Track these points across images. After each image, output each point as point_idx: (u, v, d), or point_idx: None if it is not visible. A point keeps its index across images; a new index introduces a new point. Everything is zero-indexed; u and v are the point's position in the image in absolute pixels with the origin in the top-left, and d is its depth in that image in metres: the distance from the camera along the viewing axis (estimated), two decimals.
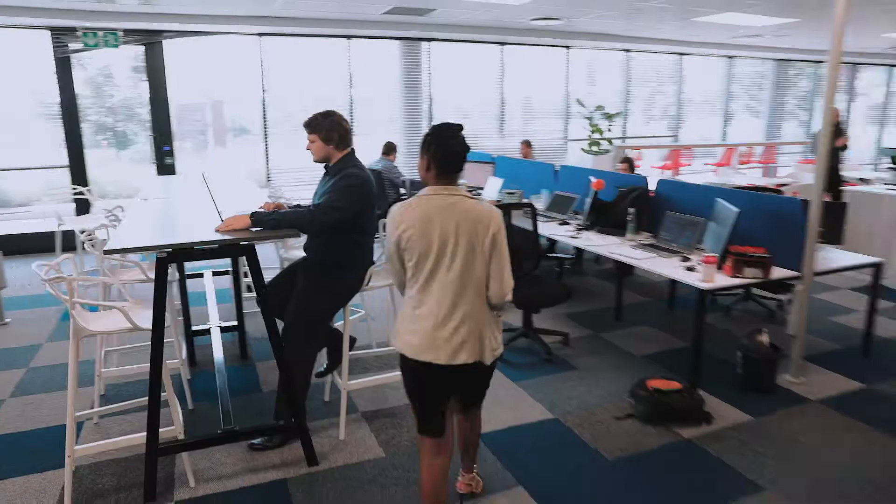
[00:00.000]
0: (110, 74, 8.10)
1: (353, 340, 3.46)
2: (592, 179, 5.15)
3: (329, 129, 3.01)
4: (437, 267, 2.14)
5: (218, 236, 2.67)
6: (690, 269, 3.79)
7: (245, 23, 7.55)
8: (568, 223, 5.27)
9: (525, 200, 6.14)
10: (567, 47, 10.00)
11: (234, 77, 8.44)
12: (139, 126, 8.10)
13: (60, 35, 7.18)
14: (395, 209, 2.19)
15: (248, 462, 3.05)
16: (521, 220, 4.38)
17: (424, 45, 9.04)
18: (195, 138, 8.75)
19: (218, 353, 3.87)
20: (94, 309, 3.29)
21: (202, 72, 8.39)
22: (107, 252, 2.52)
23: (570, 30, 8.85)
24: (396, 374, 2.92)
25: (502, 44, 9.49)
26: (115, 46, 7.15)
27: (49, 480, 2.92)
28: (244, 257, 2.73)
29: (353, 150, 3.13)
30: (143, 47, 7.62)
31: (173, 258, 2.60)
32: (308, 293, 3.08)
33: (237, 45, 8.23)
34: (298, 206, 3.19)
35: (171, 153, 8.02)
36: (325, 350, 3.50)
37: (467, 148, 2.23)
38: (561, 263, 4.38)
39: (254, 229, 2.73)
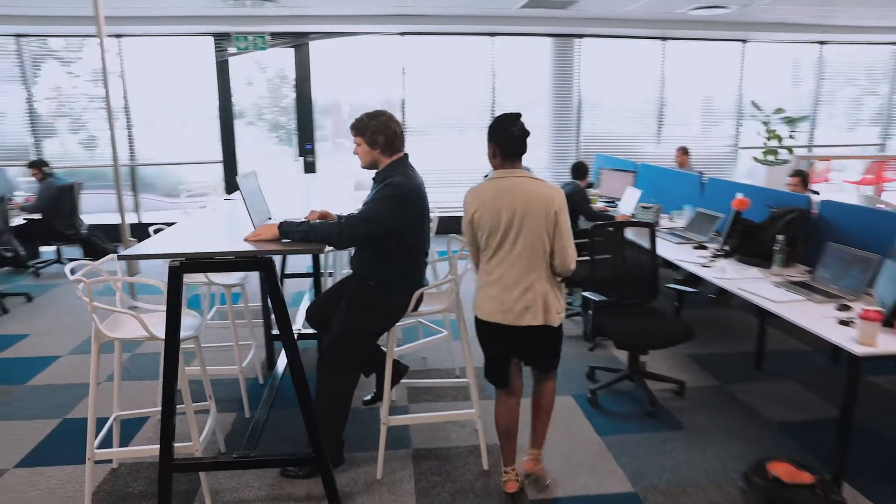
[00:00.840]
0: (286, 76, 8.55)
1: (403, 369, 3.09)
2: (738, 196, 4.25)
3: (374, 132, 2.66)
4: (504, 241, 2.43)
5: (245, 246, 2.44)
6: (846, 322, 2.86)
7: (388, 22, 7.52)
8: (705, 247, 4.42)
9: (663, 216, 5.35)
10: (743, 41, 8.70)
11: (375, 78, 8.48)
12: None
13: (221, 40, 7.70)
14: (468, 193, 2.48)
15: (275, 489, 2.81)
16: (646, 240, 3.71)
17: (576, 42, 8.38)
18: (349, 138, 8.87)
19: (281, 363, 3.72)
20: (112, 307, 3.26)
21: (346, 72, 8.56)
22: (120, 258, 2.41)
23: (745, 20, 7.65)
24: (463, 412, 2.92)
25: (664, 38, 8.50)
26: (263, 49, 7.50)
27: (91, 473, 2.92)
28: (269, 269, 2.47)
29: (404, 155, 2.75)
30: (293, 49, 7.92)
31: (187, 268, 2.42)
32: (348, 312, 2.76)
33: (379, 46, 8.26)
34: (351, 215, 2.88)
35: (312, 152, 8.27)
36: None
37: (527, 133, 2.47)
38: (680, 295, 3.60)
39: (284, 241, 2.48)
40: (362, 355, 2.83)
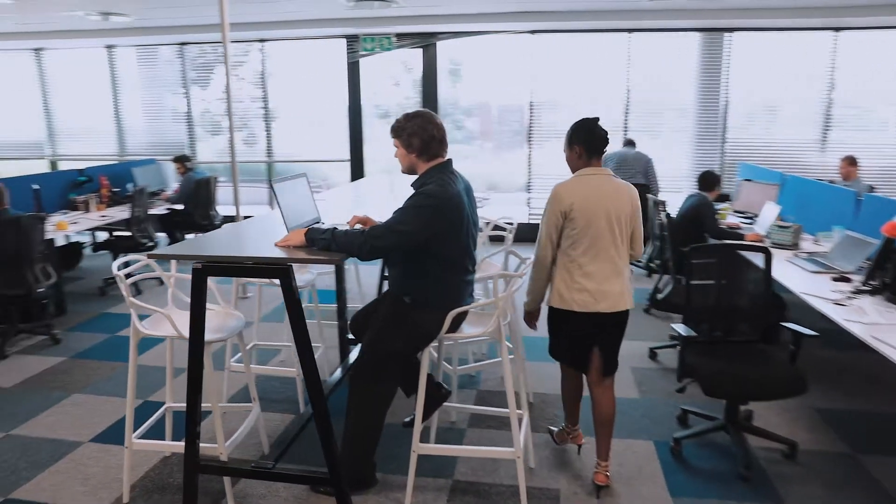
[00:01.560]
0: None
1: (443, 394, 2.83)
2: (894, 220, 3.44)
3: (410, 134, 2.44)
4: (598, 234, 2.54)
5: (268, 252, 2.35)
6: None
7: (517, 20, 7.24)
8: (848, 279, 3.65)
9: (806, 238, 4.52)
10: None
11: (504, 79, 8.23)
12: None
13: (352, 42, 7.91)
14: (559, 187, 2.58)
15: (301, 502, 2.71)
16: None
17: (726, 36, 7.50)
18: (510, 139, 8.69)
19: (339, 369, 3.63)
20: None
21: (478, 74, 8.41)
22: (150, 256, 2.42)
23: None
24: (502, 450, 2.68)
25: (837, 29, 7.31)
26: (389, 49, 7.57)
27: (141, 456, 3.03)
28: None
29: (446, 161, 2.50)
30: (421, 50, 7.92)
31: (210, 271, 2.37)
32: (380, 327, 2.58)
33: (508, 45, 8.00)
34: (376, 225, 2.69)
35: None
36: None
37: (606, 132, 2.62)
38: (797, 339, 2.93)
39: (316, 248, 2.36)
40: (392, 374, 2.62)
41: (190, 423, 2.53)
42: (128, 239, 6.08)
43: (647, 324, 5.00)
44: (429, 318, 2.47)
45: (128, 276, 2.65)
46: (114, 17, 7.12)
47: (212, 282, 3.06)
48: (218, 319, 2.82)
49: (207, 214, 7.16)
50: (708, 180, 5.04)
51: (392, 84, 8.60)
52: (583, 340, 2.71)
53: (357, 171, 8.44)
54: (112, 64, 8.87)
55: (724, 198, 5.93)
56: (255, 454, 3.10)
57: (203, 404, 2.57)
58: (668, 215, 4.61)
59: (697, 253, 3.17)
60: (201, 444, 2.54)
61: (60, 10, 6.76)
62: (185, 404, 2.46)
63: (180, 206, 7.09)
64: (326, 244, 2.32)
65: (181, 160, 7.19)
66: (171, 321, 2.55)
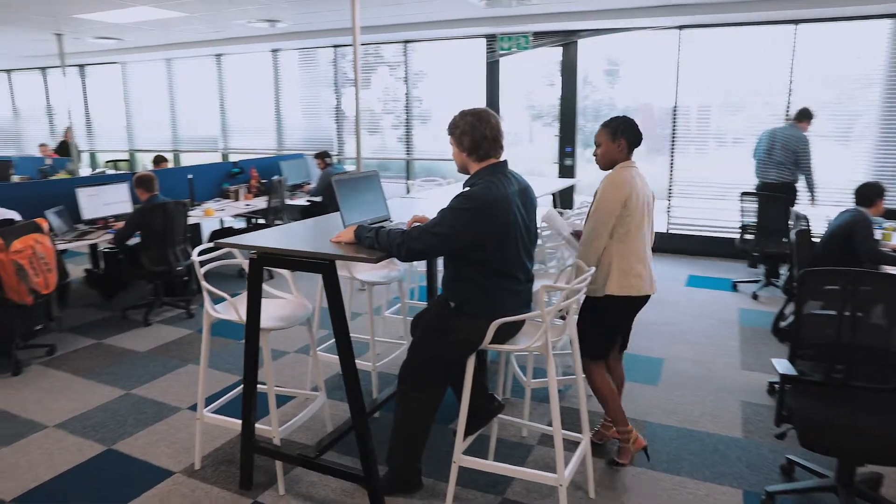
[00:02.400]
0: (587, 77, 8.43)
1: (495, 408, 2.70)
2: None
3: (462, 132, 2.35)
4: (641, 221, 2.73)
5: (315, 247, 2.40)
6: None
7: (663, 14, 6.76)
8: None
9: None
10: None
11: (652, 78, 7.71)
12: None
13: (492, 42, 7.89)
14: (618, 177, 2.69)
15: (347, 496, 2.74)
16: None
17: None
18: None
19: None
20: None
21: (618, 72, 7.97)
22: (217, 244, 2.58)
23: None
24: (542, 474, 2.49)
25: None
26: (527, 48, 7.42)
27: (221, 430, 3.25)
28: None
29: (499, 163, 2.37)
30: (561, 48, 7.68)
31: (265, 261, 2.47)
32: (422, 332, 2.52)
33: (654, 42, 7.47)
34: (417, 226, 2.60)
35: (571, 154, 7.95)
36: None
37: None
38: None
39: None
40: (437, 379, 2.54)
41: (245, 405, 2.67)
42: (263, 227, 6.61)
43: (774, 352, 4.39)
44: (471, 326, 2.36)
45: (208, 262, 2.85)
46: (278, 24, 7.80)
47: (289, 273, 3.21)
48: (287, 308, 2.93)
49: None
50: (867, 193, 4.29)
51: (547, 84, 8.42)
52: (625, 325, 2.95)
53: None
54: (276, 66, 9.69)
55: (890, 214, 5.05)
56: (320, 437, 3.19)
57: (280, 389, 2.71)
58: (804, 232, 4.01)
59: (813, 277, 2.70)
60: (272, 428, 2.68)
61: (236, 19, 7.52)
62: (275, 388, 2.59)
63: (318, 199, 7.56)
64: (371, 242, 2.32)
65: (322, 156, 7.66)
66: (235, 307, 2.70)
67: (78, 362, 4.25)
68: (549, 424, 2.83)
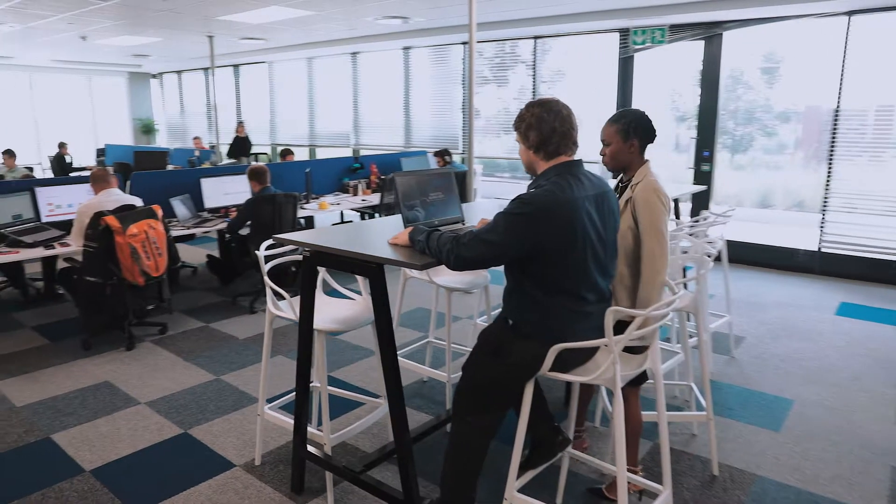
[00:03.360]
0: (739, 75, 7.73)
1: (562, 442, 2.36)
2: None
3: (528, 126, 2.04)
4: None
5: (375, 249, 2.24)
6: None
7: None
8: None
9: None
10: None
11: (818, 74, 6.75)
12: (760, 131, 7.40)
13: (625, 36, 7.34)
14: (655, 181, 2.38)
15: None
16: None
17: None
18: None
19: None
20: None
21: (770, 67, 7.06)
22: (276, 239, 2.49)
23: None
24: None
25: None
26: (662, 43, 6.79)
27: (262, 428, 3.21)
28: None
29: (571, 162, 2.05)
30: (703, 42, 6.96)
31: (318, 260, 2.34)
32: (478, 349, 2.25)
33: (818, 32, 6.51)
34: (470, 231, 2.29)
35: (709, 159, 7.19)
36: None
37: None
38: None
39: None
40: (493, 404, 2.24)
41: (297, 408, 2.57)
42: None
43: None
44: (527, 350, 2.05)
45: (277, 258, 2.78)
46: (411, 20, 7.85)
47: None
48: (353, 310, 2.79)
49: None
50: None
51: (694, 83, 7.73)
52: None
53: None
54: (407, 64, 9.79)
55: None
56: (382, 444, 3.03)
57: (344, 393, 2.59)
58: None
59: None
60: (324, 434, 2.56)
61: (365, 16, 7.67)
62: (337, 390, 2.49)
63: None
64: (421, 246, 2.10)
65: (441, 154, 7.58)
66: (291, 306, 2.60)
67: (183, 343, 4.46)
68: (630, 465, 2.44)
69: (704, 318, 3.53)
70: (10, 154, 7.69)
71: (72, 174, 10.46)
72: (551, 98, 2.05)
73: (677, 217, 4.51)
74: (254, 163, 6.49)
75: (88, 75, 13.86)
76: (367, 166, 7.63)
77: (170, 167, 9.34)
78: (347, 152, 10.82)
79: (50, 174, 10.63)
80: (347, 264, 2.23)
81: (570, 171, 2.02)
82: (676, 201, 4.45)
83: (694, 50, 7.10)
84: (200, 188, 5.59)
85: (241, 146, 10.56)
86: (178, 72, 14.16)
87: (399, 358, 3.45)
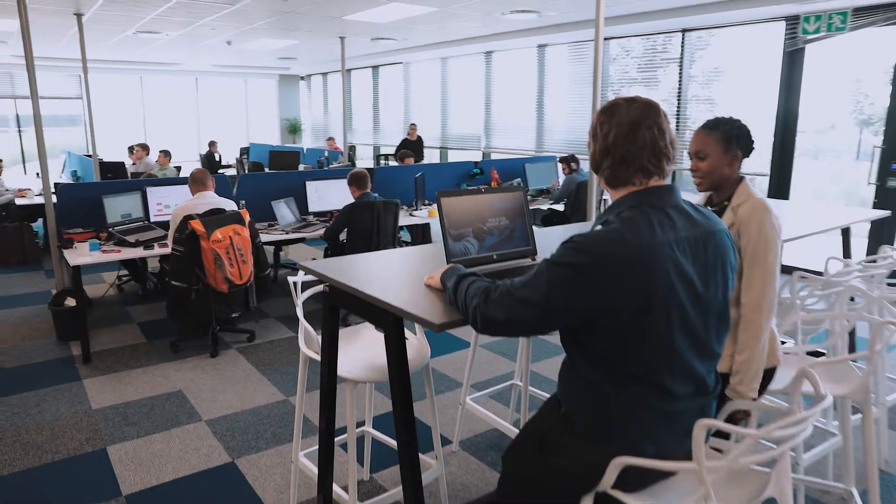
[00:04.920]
0: None
1: None
2: None
3: (604, 135, 1.44)
4: None
5: (400, 293, 1.77)
6: None
7: None
8: None
9: None
10: None
11: None
12: None
13: (793, 25, 6.18)
14: (770, 208, 1.93)
15: None
16: None
17: None
18: None
19: None
20: None
21: None
22: (301, 267, 2.09)
23: None
24: None
25: None
26: (842, 30, 5.57)
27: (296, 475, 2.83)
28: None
29: (657, 188, 1.42)
30: None
31: (335, 297, 1.90)
32: (520, 438, 1.67)
33: None
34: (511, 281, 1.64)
35: None
36: None
37: None
38: None
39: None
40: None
41: (321, 467, 2.17)
42: None
43: None
44: (580, 453, 1.45)
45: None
46: (546, 13, 7.27)
47: None
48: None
49: (583, 218, 6.72)
50: None
51: (884, 80, 6.42)
52: None
53: (780, 191, 6.69)
54: (541, 63, 9.18)
55: None
56: None
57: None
58: None
59: None
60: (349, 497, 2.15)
61: (493, 11, 7.22)
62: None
63: (560, 206, 6.85)
64: (450, 296, 1.58)
65: (567, 160, 6.91)
66: (317, 342, 2.19)
67: (265, 354, 4.29)
68: None
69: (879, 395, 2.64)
70: (165, 154, 8.22)
71: (220, 171, 11.14)
72: (626, 99, 1.43)
73: (845, 254, 3.51)
74: (356, 167, 6.27)
75: (245, 78, 14.81)
76: (487, 172, 7.17)
77: (301, 167, 9.54)
78: (478, 155, 10.44)
79: None
80: (364, 309, 1.77)
81: (654, 201, 1.39)
82: (846, 232, 3.48)
83: (884, 38, 5.79)
84: (306, 191, 5.45)
85: (410, 149, 9.71)
86: (324, 73, 14.67)
87: (470, 403, 2.96)
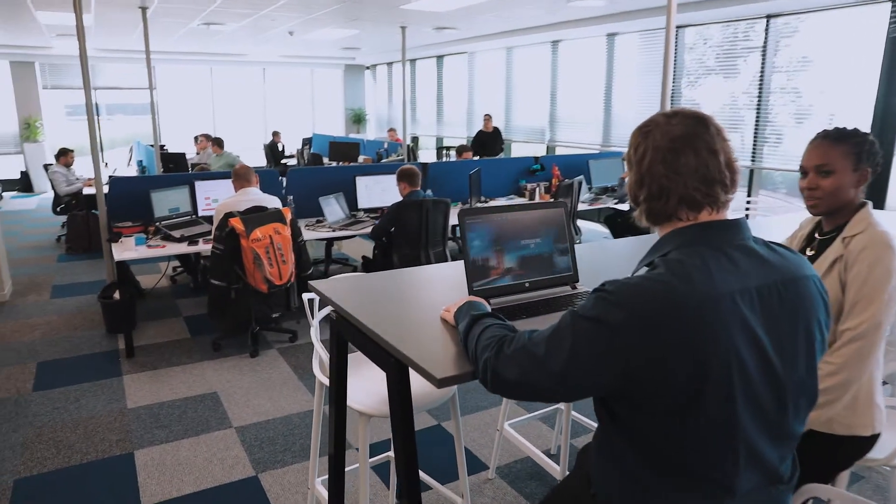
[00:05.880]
0: None
1: None
2: None
3: (640, 158, 1.14)
4: None
5: (410, 329, 1.54)
6: None
7: None
8: None
9: None
10: None
11: None
12: None
13: None
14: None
15: None
16: None
17: None
18: None
19: None
20: None
21: None
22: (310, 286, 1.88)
23: None
24: None
25: None
26: None
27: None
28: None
29: (712, 225, 1.11)
30: None
31: (341, 326, 1.68)
32: None
33: None
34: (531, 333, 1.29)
35: None
36: None
37: None
38: None
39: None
40: None
41: (331, 481, 1.97)
42: None
43: None
44: None
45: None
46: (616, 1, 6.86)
47: None
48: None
49: None
50: None
51: None
52: None
53: (876, 198, 6.02)
54: (611, 51, 8.70)
55: None
56: None
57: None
58: None
59: None
60: None
61: None
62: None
63: (624, 206, 6.44)
64: (464, 336, 1.32)
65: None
66: (324, 366, 1.98)
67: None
68: None
69: None
70: (217, 142, 8.29)
71: (282, 161, 11.22)
72: (666, 114, 1.13)
73: None
74: (406, 164, 6.05)
75: (311, 67, 14.89)
76: (548, 168, 6.82)
77: (361, 159, 9.45)
78: (541, 149, 10.06)
79: (263, 162, 11.49)
80: (365, 343, 1.54)
81: (710, 239, 1.09)
82: None
83: None
84: (356, 186, 5.29)
85: (484, 142, 9.52)
86: (388, 63, 14.56)
87: (508, 429, 2.71)
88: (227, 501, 2.64)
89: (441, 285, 1.86)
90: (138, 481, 2.78)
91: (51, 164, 8.08)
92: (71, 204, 7.52)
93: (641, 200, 1.16)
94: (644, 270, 1.09)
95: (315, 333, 2.11)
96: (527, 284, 1.71)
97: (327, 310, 2.21)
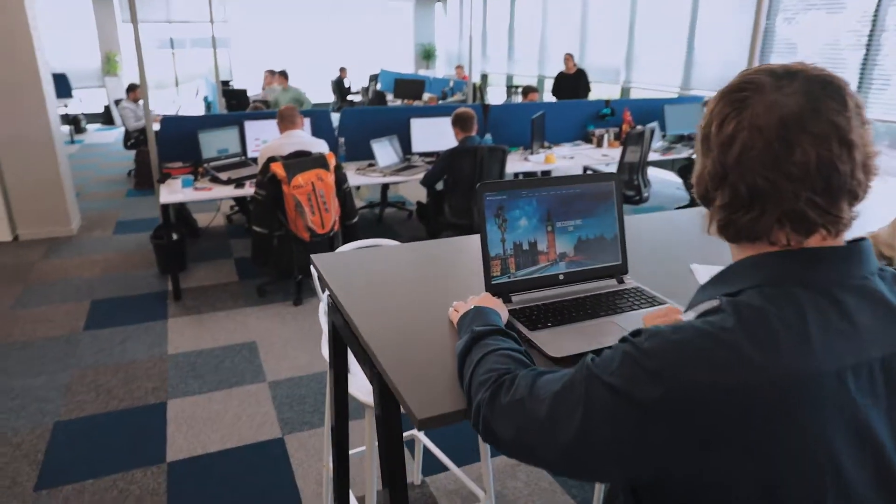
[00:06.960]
0: None
1: None
2: None
3: (722, 149, 0.78)
4: None
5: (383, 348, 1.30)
6: None
7: None
8: None
9: None
10: None
11: None
12: None
13: None
14: None
15: None
16: None
17: None
18: None
19: None
20: None
21: None
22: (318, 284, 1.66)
23: None
24: None
25: None
26: None
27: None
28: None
29: (794, 253, 0.77)
30: None
31: (334, 312, 1.46)
32: None
33: None
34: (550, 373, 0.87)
35: None
36: None
37: None
38: None
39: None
40: None
41: (336, 482, 1.82)
42: None
43: None
44: None
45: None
46: None
47: None
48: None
49: None
50: None
51: None
52: None
53: None
54: None
55: None
56: None
57: None
58: None
59: None
60: None
61: None
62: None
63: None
64: (462, 355, 1.05)
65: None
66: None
67: None
68: None
69: None
70: (283, 75, 8.14)
71: (348, 98, 11.01)
72: (774, 72, 0.76)
73: None
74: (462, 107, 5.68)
75: (382, 0, 14.42)
76: (619, 112, 6.29)
77: (425, 97, 9.11)
78: (615, 91, 9.38)
79: (331, 98, 11.32)
80: (355, 346, 1.31)
81: (815, 279, 0.74)
82: None
83: None
84: (410, 129, 5.02)
85: (566, 84, 8.69)
86: None
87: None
88: (249, 463, 2.57)
89: (466, 266, 1.60)
90: (167, 434, 2.75)
91: (121, 100, 8.18)
92: (139, 139, 7.62)
93: (718, 206, 0.80)
94: (702, 311, 0.76)
95: (323, 314, 1.91)
96: (561, 277, 1.41)
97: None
